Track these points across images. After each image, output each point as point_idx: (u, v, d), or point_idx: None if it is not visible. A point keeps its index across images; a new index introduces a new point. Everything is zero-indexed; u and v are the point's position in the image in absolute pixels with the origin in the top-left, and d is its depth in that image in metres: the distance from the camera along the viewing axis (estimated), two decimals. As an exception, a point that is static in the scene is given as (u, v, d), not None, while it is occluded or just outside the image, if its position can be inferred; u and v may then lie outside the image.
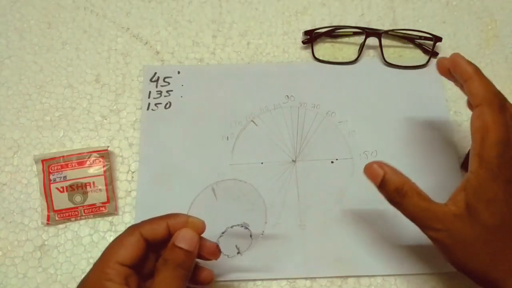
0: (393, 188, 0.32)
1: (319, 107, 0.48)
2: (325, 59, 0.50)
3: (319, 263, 0.41)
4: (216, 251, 0.34)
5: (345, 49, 0.51)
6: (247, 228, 0.42)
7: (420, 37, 0.50)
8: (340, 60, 0.50)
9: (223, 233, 0.41)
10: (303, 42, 0.50)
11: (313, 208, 0.43)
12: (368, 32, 0.49)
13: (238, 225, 0.42)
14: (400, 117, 0.47)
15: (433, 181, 0.44)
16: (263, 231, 0.42)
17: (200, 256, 0.33)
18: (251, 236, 0.42)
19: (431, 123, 0.47)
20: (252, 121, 0.47)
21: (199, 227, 0.32)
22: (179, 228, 0.31)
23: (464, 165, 0.45)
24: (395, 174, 0.32)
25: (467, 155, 0.45)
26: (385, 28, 0.50)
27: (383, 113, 0.48)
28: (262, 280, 0.41)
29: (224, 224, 0.42)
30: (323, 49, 0.51)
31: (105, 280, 0.29)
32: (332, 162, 0.45)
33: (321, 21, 0.52)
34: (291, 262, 0.41)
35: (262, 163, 0.45)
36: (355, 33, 0.51)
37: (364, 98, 0.48)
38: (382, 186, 0.32)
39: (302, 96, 0.48)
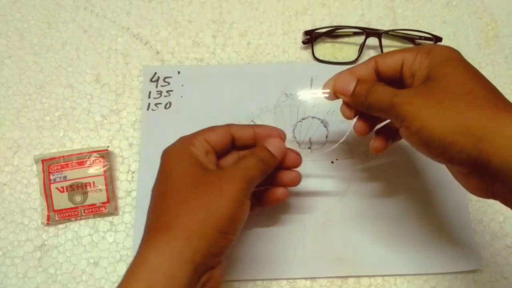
0: None
1: (319, 106, 0.47)
2: (325, 59, 0.50)
3: (319, 263, 0.41)
4: (298, 159, 0.37)
5: (345, 49, 0.51)
6: (326, 126, 0.41)
7: (420, 37, 0.50)
8: (340, 60, 0.50)
9: (303, 119, 0.41)
10: (303, 42, 0.50)
11: (313, 208, 0.43)
12: (368, 32, 0.49)
13: (319, 119, 0.41)
14: (400, 117, 0.47)
15: (433, 181, 0.44)
16: (341, 141, 0.39)
17: (283, 166, 0.36)
18: (327, 137, 0.41)
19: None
20: (252, 121, 0.47)
21: (282, 135, 0.36)
22: (264, 135, 0.35)
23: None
24: None
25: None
26: (385, 28, 0.50)
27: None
28: (262, 280, 0.41)
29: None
30: (323, 49, 0.51)
31: (190, 146, 0.33)
32: (332, 162, 0.45)
33: (321, 21, 0.52)
34: (291, 262, 0.41)
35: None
36: (355, 33, 0.51)
37: (364, 98, 0.48)
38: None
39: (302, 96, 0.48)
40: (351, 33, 0.51)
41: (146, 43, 0.51)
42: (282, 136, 0.36)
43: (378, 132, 0.37)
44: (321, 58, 0.50)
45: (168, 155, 0.33)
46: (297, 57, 0.50)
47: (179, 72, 0.49)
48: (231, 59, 0.50)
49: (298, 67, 0.50)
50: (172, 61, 0.50)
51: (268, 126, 0.37)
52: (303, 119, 0.41)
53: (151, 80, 0.48)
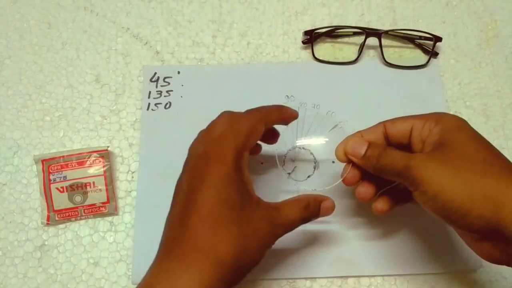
0: None
1: (319, 107, 0.47)
2: (325, 59, 0.50)
3: (319, 263, 0.41)
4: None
5: (345, 49, 0.51)
6: (315, 160, 0.43)
7: (420, 37, 0.50)
8: (340, 60, 0.50)
9: (289, 150, 0.44)
10: (303, 42, 0.50)
11: (313, 208, 0.43)
12: (368, 32, 0.49)
13: (312, 153, 0.43)
14: (400, 117, 0.47)
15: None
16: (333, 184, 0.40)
17: None
18: (314, 167, 0.43)
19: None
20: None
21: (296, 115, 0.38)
22: (288, 118, 0.37)
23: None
24: None
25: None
26: (385, 28, 0.50)
27: (383, 113, 0.47)
28: (262, 280, 0.41)
29: None
30: (323, 49, 0.51)
31: (241, 162, 0.32)
32: (333, 162, 0.45)
33: (321, 21, 0.52)
34: (291, 262, 0.41)
35: (262, 163, 0.45)
36: (355, 33, 0.51)
37: (364, 98, 0.48)
38: None
39: (302, 96, 0.48)
40: (351, 33, 0.51)
41: (146, 43, 0.51)
42: (295, 115, 0.38)
43: (383, 192, 0.36)
44: (321, 58, 0.50)
45: (215, 163, 0.31)
46: (297, 57, 0.50)
47: (179, 72, 0.49)
48: (231, 59, 0.50)
49: (298, 67, 0.50)
50: (172, 61, 0.50)
51: (289, 108, 0.37)
52: (289, 150, 0.44)
53: (151, 80, 0.48)
